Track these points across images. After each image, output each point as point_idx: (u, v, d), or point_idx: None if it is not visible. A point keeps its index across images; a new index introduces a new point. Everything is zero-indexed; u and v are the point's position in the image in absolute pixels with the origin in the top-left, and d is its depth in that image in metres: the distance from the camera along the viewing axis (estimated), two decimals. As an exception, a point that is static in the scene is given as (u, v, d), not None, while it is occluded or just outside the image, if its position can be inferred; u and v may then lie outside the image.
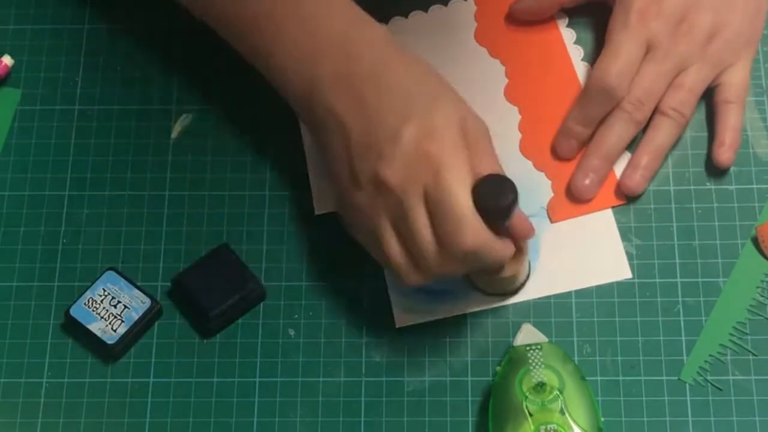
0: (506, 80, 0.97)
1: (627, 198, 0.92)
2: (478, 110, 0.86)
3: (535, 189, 0.93)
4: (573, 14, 0.99)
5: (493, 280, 0.88)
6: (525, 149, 0.94)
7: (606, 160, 0.92)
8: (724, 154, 0.92)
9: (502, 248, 0.84)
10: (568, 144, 0.93)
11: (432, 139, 0.82)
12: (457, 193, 0.81)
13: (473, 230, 0.81)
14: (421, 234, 0.82)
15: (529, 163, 0.94)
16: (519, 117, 0.95)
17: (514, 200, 0.83)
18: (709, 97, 0.94)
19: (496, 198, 0.82)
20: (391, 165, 0.82)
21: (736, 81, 0.94)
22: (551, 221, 0.92)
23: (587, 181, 0.92)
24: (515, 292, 0.90)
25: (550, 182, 0.93)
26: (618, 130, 0.92)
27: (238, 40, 0.90)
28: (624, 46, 0.91)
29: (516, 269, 0.88)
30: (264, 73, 0.89)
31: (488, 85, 0.97)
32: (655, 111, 0.92)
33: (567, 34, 0.98)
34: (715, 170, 0.93)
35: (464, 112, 0.84)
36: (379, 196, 0.83)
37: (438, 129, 0.82)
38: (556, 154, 0.94)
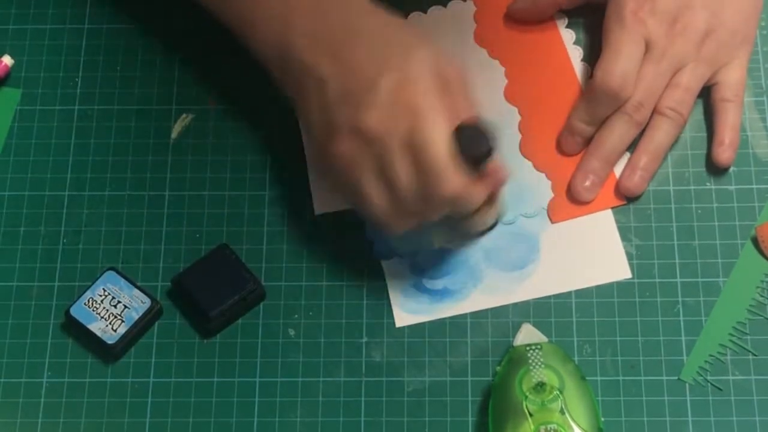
0: (506, 81, 0.97)
1: (627, 198, 0.92)
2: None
3: (535, 189, 0.93)
4: (572, 15, 0.99)
5: (465, 222, 0.90)
6: (525, 150, 0.94)
7: (606, 162, 0.92)
8: (724, 153, 0.92)
9: (479, 193, 0.85)
10: (573, 140, 0.93)
11: (409, 87, 0.83)
12: (436, 141, 0.82)
13: (453, 178, 0.82)
14: (403, 181, 0.83)
15: (529, 164, 0.94)
16: (519, 117, 0.95)
17: (493, 146, 0.84)
18: (707, 97, 0.94)
19: (475, 144, 0.83)
20: (370, 114, 0.83)
21: (732, 79, 0.94)
22: (551, 221, 0.92)
23: (587, 183, 0.92)
24: (484, 233, 0.92)
25: (550, 182, 0.93)
26: (619, 131, 0.92)
27: (215, 8, 0.91)
28: (624, 47, 0.91)
29: (488, 212, 0.90)
30: (241, 40, 0.90)
31: (488, 86, 0.97)
32: (653, 111, 0.92)
33: (566, 34, 0.98)
34: (715, 170, 0.93)
35: (440, 59, 0.85)
36: (359, 145, 0.84)
37: (415, 77, 0.83)
38: (560, 149, 0.94)
